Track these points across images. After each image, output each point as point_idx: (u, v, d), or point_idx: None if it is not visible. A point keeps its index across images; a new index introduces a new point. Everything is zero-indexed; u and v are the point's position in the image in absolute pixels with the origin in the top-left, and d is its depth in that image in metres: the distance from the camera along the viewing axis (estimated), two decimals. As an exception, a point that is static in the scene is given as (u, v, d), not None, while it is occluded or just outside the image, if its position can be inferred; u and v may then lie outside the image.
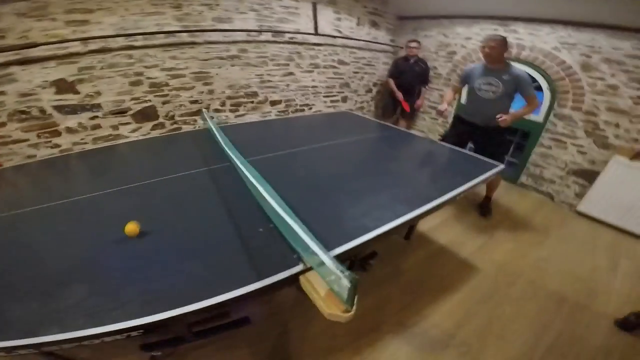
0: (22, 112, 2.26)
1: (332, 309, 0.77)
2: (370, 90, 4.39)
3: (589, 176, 2.80)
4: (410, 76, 3.61)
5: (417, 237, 2.31)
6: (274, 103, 3.46)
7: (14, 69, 2.16)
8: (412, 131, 3.14)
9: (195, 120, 2.96)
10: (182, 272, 0.96)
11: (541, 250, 2.32)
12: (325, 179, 1.65)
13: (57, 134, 2.41)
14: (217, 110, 3.09)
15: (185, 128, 2.94)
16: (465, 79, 2.42)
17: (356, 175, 1.70)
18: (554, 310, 1.79)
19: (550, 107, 2.94)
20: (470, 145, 2.49)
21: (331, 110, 3.96)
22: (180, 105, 2.86)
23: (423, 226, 2.43)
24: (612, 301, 1.87)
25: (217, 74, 2.94)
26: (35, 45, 2.15)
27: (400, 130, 2.64)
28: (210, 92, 2.97)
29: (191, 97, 2.88)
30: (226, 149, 1.74)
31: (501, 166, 1.86)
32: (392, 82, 3.74)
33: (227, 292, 0.86)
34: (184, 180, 1.57)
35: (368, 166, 1.91)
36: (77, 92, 2.37)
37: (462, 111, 2.57)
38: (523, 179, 3.32)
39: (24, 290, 0.90)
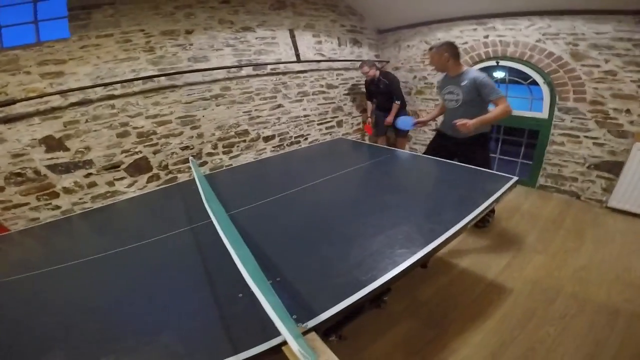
0: (18, 174, 2.21)
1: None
2: (365, 110, 4.28)
3: (613, 168, 2.54)
4: (379, 96, 3.51)
5: (434, 263, 2.06)
6: (267, 139, 3.38)
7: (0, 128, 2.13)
8: (405, 151, 2.97)
9: (190, 168, 2.86)
10: (155, 342, 0.87)
11: (578, 258, 2.04)
12: (318, 225, 1.47)
13: (56, 195, 2.35)
14: (210, 154, 3.02)
15: (181, 177, 2.84)
16: (438, 90, 2.34)
17: (352, 216, 1.49)
18: (607, 324, 1.52)
19: (553, 102, 2.76)
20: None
21: (327, 137, 3.86)
22: (172, 154, 2.79)
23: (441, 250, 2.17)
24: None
25: (203, 116, 2.89)
26: (14, 101, 2.10)
27: (392, 150, 2.48)
28: (200, 135, 2.91)
29: (181, 143, 2.82)
30: (205, 202, 1.57)
31: (515, 178, 1.60)
32: (369, 105, 3.75)
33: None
34: (166, 242, 1.45)
35: (364, 203, 1.66)
36: (66, 149, 2.33)
37: (441, 124, 2.43)
38: (542, 180, 3.06)
39: None
